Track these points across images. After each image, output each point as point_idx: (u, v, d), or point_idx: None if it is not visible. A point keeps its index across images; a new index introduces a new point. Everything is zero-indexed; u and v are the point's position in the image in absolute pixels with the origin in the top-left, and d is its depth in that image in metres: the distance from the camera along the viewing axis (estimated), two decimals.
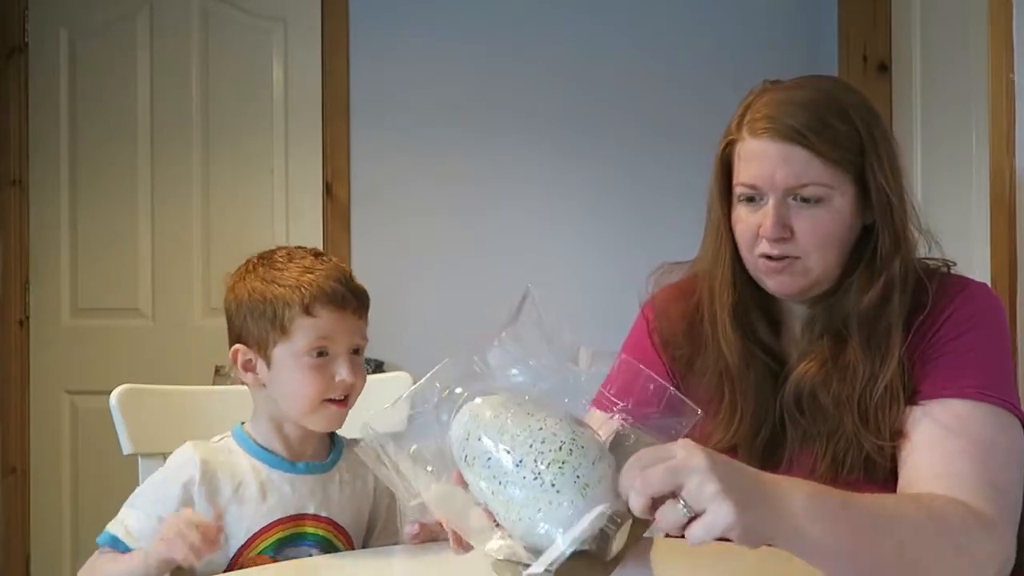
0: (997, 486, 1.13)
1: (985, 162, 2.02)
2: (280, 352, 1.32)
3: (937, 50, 2.43)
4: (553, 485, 0.89)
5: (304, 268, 1.33)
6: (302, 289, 1.30)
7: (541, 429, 0.91)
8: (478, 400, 0.96)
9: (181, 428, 1.57)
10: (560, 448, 0.90)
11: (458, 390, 0.98)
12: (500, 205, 3.02)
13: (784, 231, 1.22)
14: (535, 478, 0.89)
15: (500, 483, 0.91)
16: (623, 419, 0.97)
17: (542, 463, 0.89)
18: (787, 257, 1.23)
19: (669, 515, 0.87)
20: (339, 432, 1.42)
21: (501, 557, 0.92)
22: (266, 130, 3.06)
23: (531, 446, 0.90)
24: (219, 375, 2.81)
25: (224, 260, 3.07)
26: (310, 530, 1.35)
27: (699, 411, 0.98)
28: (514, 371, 0.98)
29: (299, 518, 1.35)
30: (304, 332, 1.31)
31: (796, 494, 0.93)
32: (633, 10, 2.99)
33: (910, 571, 1.01)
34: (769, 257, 1.24)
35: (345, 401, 1.34)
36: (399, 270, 3.02)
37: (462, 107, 3.02)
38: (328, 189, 3.03)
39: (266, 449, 1.36)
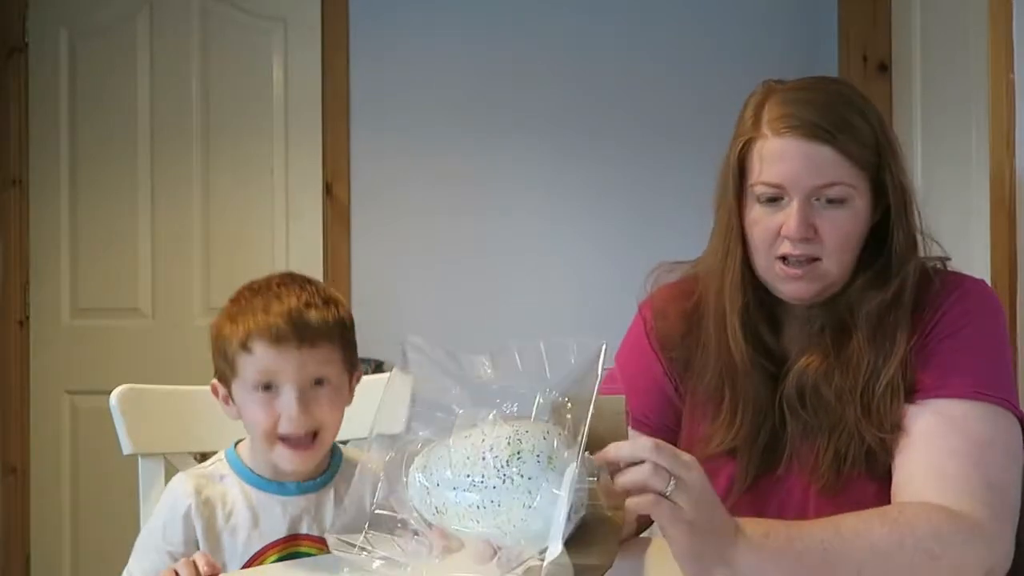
0: (995, 486, 1.13)
1: (985, 162, 2.01)
2: (235, 387, 1.33)
3: (937, 50, 2.43)
4: (522, 475, 0.89)
5: (260, 302, 1.31)
6: (242, 326, 1.30)
7: (484, 440, 0.92)
8: (415, 462, 0.95)
9: (181, 428, 1.57)
10: (508, 443, 0.91)
11: (388, 456, 0.98)
12: (500, 205, 3.02)
13: (809, 231, 1.20)
14: (503, 481, 0.89)
15: (480, 508, 0.90)
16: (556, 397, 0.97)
17: (500, 465, 0.90)
18: (808, 260, 1.22)
19: (658, 479, 0.91)
20: (340, 445, 1.41)
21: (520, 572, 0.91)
22: (266, 130, 3.06)
23: (483, 458, 0.91)
24: None
25: (224, 260, 3.09)
26: (304, 550, 1.34)
27: (603, 341, 0.98)
28: (424, 418, 0.98)
29: (293, 539, 1.34)
30: (245, 368, 1.30)
31: (744, 547, 0.97)
32: (633, 10, 2.99)
33: None
34: (787, 260, 1.22)
35: (307, 444, 1.31)
36: (399, 270, 3.02)
37: (462, 107, 3.02)
38: (328, 189, 3.03)
39: (256, 473, 1.36)
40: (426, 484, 0.92)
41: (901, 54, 2.64)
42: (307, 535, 1.34)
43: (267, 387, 1.29)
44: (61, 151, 3.12)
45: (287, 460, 1.32)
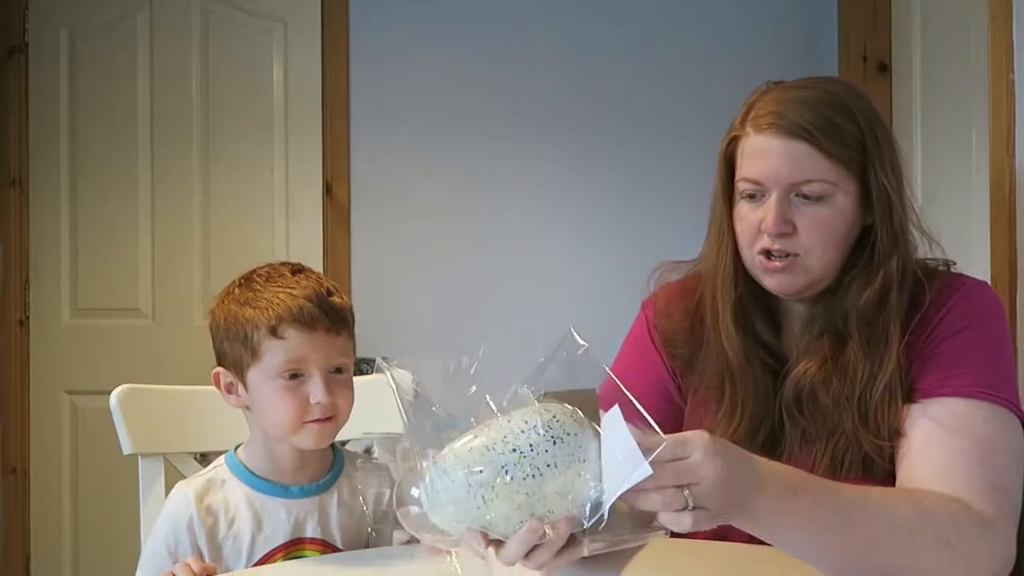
0: (998, 486, 1.13)
1: (985, 162, 2.02)
2: (254, 375, 1.29)
3: (937, 50, 2.43)
4: (567, 433, 0.90)
5: (279, 288, 1.29)
6: (270, 310, 1.27)
7: (510, 421, 0.91)
8: (440, 465, 0.92)
9: (181, 428, 1.57)
10: (540, 413, 0.91)
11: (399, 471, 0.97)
12: (500, 205, 3.02)
13: (786, 226, 1.22)
14: (555, 443, 0.89)
15: (536, 476, 0.89)
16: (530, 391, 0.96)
17: (544, 430, 0.90)
18: (788, 255, 1.23)
19: (673, 501, 0.88)
20: (340, 447, 1.40)
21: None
22: (266, 130, 3.06)
23: (523, 431, 0.90)
24: None
25: (224, 260, 3.09)
26: (308, 554, 1.32)
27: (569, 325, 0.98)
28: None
29: (297, 543, 1.32)
30: (273, 354, 1.27)
31: (768, 499, 0.96)
32: (633, 10, 2.99)
33: (884, 564, 1.02)
34: (768, 254, 1.24)
35: (329, 419, 1.30)
36: (399, 270, 3.02)
37: (462, 107, 3.02)
38: (328, 189, 3.03)
39: (259, 476, 1.33)
40: (468, 481, 0.90)
41: (901, 54, 2.64)
42: (311, 539, 1.33)
43: (294, 375, 1.28)
44: (61, 151, 3.12)
45: (316, 436, 1.30)
